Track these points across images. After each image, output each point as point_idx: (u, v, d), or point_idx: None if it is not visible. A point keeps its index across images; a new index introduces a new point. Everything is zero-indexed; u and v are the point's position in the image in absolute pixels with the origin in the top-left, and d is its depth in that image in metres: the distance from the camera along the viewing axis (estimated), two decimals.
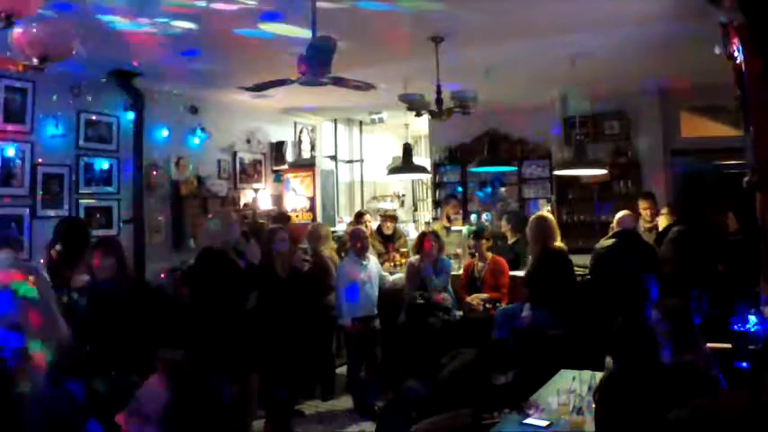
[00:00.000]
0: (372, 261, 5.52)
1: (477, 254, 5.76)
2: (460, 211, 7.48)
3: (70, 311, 3.32)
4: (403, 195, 9.73)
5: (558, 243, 5.02)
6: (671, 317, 2.88)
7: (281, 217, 6.44)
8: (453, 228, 6.96)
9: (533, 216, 5.34)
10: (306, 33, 3.72)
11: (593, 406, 2.68)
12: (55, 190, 5.28)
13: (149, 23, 4.20)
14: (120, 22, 4.12)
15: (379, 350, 5.42)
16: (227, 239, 4.11)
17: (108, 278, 3.57)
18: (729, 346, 3.57)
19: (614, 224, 5.19)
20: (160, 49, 4.73)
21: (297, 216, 7.43)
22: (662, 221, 5.54)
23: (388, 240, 6.66)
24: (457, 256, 6.48)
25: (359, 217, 6.78)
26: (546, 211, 6.91)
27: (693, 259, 4.93)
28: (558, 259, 4.96)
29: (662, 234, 5.35)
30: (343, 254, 5.87)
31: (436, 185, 8.51)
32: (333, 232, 7.83)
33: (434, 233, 5.90)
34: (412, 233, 7.47)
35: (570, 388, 3.00)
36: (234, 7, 3.98)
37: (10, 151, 4.96)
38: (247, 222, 6.42)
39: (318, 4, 3.60)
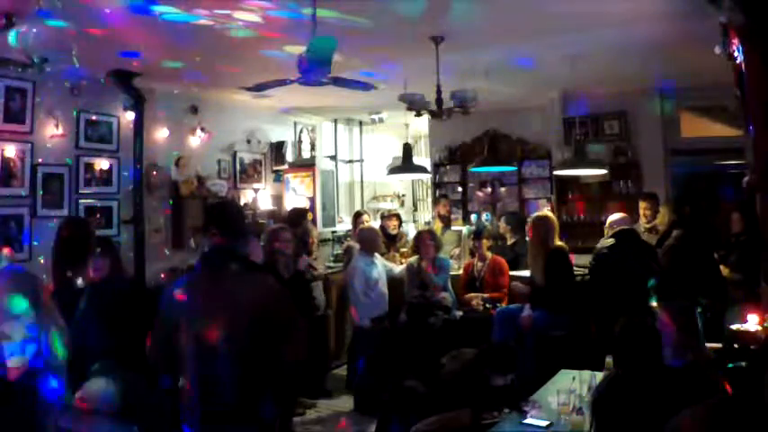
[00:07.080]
0: (378, 259, 5.56)
1: (476, 254, 5.76)
2: (452, 210, 7.43)
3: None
4: (403, 195, 9.71)
5: (558, 242, 5.03)
6: (675, 317, 2.87)
7: (298, 213, 6.07)
8: (453, 227, 6.95)
9: (534, 215, 5.31)
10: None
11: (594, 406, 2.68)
12: (55, 190, 5.27)
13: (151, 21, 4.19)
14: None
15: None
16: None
17: (102, 278, 3.56)
18: (728, 345, 3.57)
19: (607, 226, 5.10)
20: (161, 48, 4.72)
21: None
22: (660, 221, 5.52)
23: (392, 240, 6.62)
24: (453, 253, 6.47)
25: (357, 217, 6.76)
26: (547, 210, 6.89)
27: (694, 264, 4.93)
28: (565, 258, 4.97)
29: (663, 238, 5.31)
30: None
31: (436, 185, 8.49)
32: (333, 232, 7.86)
33: (431, 232, 5.89)
34: (412, 233, 7.46)
35: (570, 388, 3.00)
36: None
37: (10, 151, 4.95)
38: (247, 222, 6.39)
39: (319, 4, 3.60)
